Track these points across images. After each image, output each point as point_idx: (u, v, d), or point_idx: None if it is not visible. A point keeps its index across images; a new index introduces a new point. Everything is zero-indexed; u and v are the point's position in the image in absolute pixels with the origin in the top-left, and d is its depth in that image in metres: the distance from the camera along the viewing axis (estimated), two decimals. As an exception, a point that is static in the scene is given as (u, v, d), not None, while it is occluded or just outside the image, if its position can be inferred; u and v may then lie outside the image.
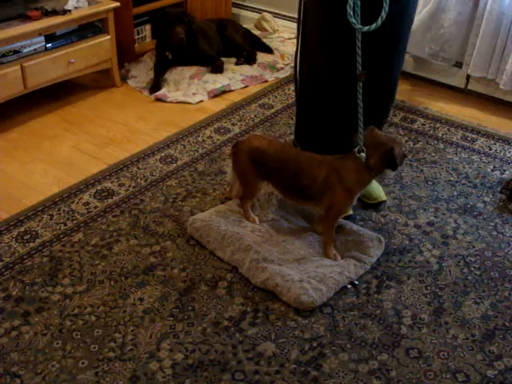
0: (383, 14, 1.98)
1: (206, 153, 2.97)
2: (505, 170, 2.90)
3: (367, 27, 2.01)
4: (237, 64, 3.87)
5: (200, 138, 3.10)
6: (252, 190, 2.37)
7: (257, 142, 2.32)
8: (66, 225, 2.46)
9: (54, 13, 3.19)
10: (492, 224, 2.54)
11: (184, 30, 3.59)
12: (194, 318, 2.04)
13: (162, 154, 2.95)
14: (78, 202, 2.59)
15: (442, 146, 3.11)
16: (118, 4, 3.42)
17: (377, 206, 2.61)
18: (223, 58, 3.84)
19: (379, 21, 1.99)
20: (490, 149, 3.09)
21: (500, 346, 1.97)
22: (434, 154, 3.02)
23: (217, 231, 2.32)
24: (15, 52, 3.05)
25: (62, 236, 2.39)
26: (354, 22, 2.01)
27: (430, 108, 3.48)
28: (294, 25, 4.24)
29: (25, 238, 2.38)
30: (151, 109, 3.41)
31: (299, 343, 1.96)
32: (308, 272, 2.17)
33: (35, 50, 3.14)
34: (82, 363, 1.88)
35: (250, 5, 4.47)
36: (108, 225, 2.46)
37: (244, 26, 4.17)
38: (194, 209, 2.56)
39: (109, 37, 3.44)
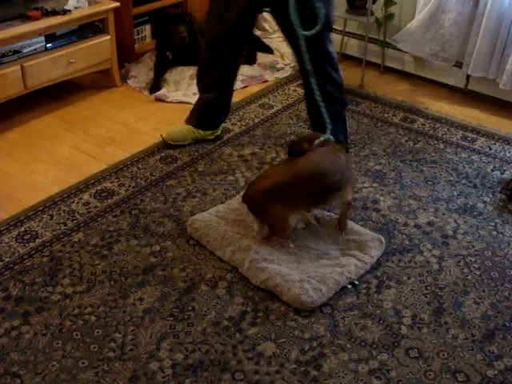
0: None
1: (206, 153, 2.97)
2: (505, 170, 2.90)
3: None
4: (237, 64, 3.86)
5: (200, 138, 3.10)
6: (283, 225, 2.22)
7: (266, 181, 2.22)
8: (66, 225, 2.46)
9: (54, 13, 3.19)
10: (492, 224, 2.53)
11: (186, 29, 3.60)
12: (193, 318, 2.04)
13: (162, 154, 2.95)
14: (77, 202, 2.59)
15: (442, 146, 3.11)
16: (118, 4, 3.42)
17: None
18: (223, 58, 3.83)
19: None
20: (490, 149, 3.09)
21: (500, 345, 1.97)
22: (433, 154, 3.02)
23: (216, 231, 2.32)
24: (15, 52, 3.05)
25: (61, 236, 2.39)
26: None
27: (430, 108, 3.48)
28: (294, 25, 4.25)
29: (25, 237, 2.38)
30: (151, 109, 3.40)
31: (299, 343, 1.96)
32: (308, 272, 2.17)
33: (35, 49, 3.14)
34: (82, 363, 1.88)
35: (250, 5, 4.47)
36: (108, 225, 2.46)
37: (244, 26, 4.16)
38: (194, 209, 2.56)
39: (109, 37, 3.43)
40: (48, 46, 3.19)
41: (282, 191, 2.17)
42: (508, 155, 3.03)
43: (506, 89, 3.35)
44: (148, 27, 3.98)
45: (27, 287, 2.14)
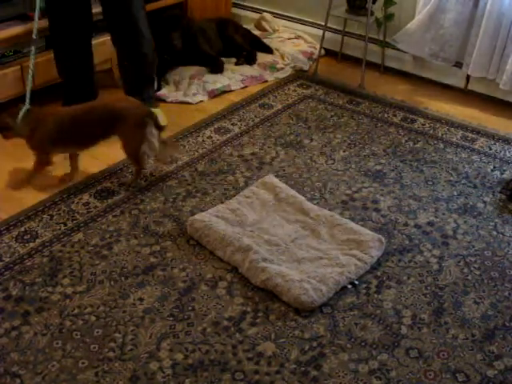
0: None
1: (206, 153, 2.97)
2: (505, 170, 2.90)
3: None
4: (237, 64, 3.86)
5: (200, 138, 3.10)
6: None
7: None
8: (66, 225, 2.46)
9: (54, 13, 3.19)
10: (492, 224, 2.54)
11: (179, 35, 3.59)
12: (193, 318, 2.04)
13: (162, 154, 2.95)
14: (77, 202, 2.59)
15: (442, 145, 3.11)
16: (118, 4, 3.41)
17: None
18: (223, 58, 3.84)
19: None
20: (490, 149, 3.09)
21: (500, 345, 1.97)
22: (434, 154, 3.03)
23: (216, 231, 2.32)
24: (15, 52, 3.05)
25: (61, 236, 2.39)
26: None
27: (430, 108, 3.48)
28: (295, 25, 4.26)
29: (25, 237, 2.38)
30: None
31: (299, 343, 1.96)
32: (308, 272, 2.17)
33: (35, 49, 3.13)
34: (82, 363, 1.88)
35: (249, 5, 4.47)
36: (108, 225, 2.46)
37: (244, 26, 4.17)
38: (194, 209, 2.56)
39: (109, 37, 3.43)
40: (48, 45, 3.18)
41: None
42: (508, 155, 3.03)
43: (506, 89, 3.35)
44: (148, 27, 3.97)
45: (27, 287, 2.14)
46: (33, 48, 2.72)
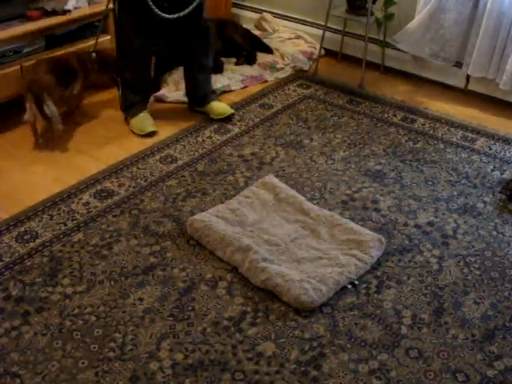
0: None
1: (206, 153, 2.97)
2: (505, 170, 2.90)
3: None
4: (237, 64, 3.87)
5: (200, 138, 3.10)
6: None
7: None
8: (66, 225, 2.46)
9: (54, 13, 3.19)
10: (492, 224, 2.54)
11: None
12: (193, 318, 2.04)
13: (162, 154, 2.95)
14: (77, 202, 2.59)
15: (442, 145, 3.11)
16: (118, 4, 3.41)
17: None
18: (223, 58, 3.84)
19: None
20: (490, 149, 3.09)
21: (500, 345, 1.97)
22: (434, 154, 3.03)
23: (216, 231, 2.32)
24: (15, 52, 3.05)
25: (61, 236, 2.39)
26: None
27: (430, 108, 3.48)
28: (295, 25, 4.26)
29: (25, 237, 2.38)
30: (151, 109, 3.40)
31: (299, 343, 1.96)
32: (308, 272, 2.17)
33: (35, 50, 3.14)
34: (82, 363, 1.88)
35: (249, 5, 4.47)
36: (108, 225, 2.46)
37: (244, 26, 4.17)
38: (194, 209, 2.56)
39: (109, 37, 3.43)
40: (48, 46, 3.18)
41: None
42: (508, 155, 3.03)
43: (506, 89, 3.36)
44: (148, 27, 3.97)
45: (27, 287, 2.14)
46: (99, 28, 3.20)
